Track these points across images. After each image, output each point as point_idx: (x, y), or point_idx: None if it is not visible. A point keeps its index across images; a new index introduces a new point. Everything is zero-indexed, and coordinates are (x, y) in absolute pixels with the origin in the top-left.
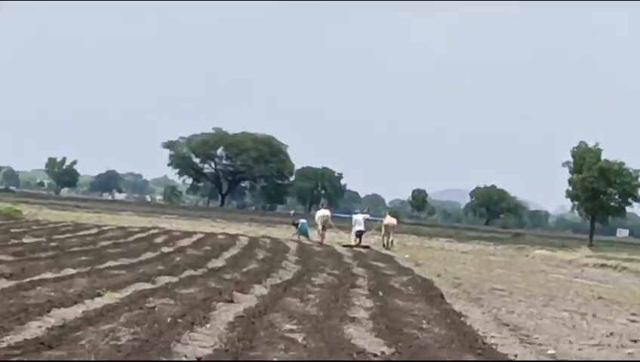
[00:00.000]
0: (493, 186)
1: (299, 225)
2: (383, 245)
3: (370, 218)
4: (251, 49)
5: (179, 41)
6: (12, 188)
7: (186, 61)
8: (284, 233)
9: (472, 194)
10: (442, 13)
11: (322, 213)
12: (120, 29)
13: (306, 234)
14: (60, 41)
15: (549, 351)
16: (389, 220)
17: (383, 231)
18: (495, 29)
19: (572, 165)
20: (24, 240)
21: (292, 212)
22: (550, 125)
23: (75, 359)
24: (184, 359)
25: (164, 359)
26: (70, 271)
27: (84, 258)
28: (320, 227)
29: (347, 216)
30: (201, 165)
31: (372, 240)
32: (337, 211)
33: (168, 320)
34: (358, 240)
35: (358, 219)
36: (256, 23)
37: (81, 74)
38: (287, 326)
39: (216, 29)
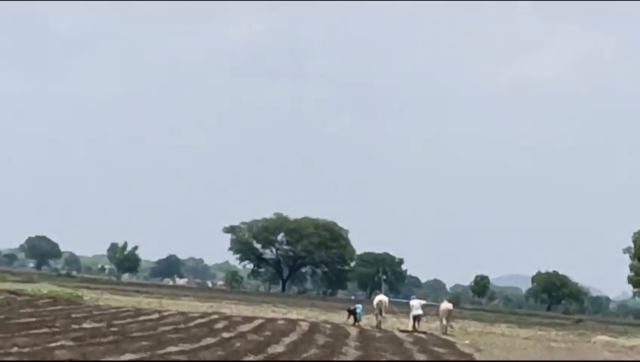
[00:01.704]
0: (555, 272)
1: (356, 310)
2: (442, 332)
3: (427, 303)
4: (312, 133)
5: (239, 125)
6: (73, 273)
7: (247, 145)
8: (345, 318)
9: (533, 279)
10: (516, 99)
11: (380, 298)
12: (180, 114)
13: (360, 318)
14: (121, 125)
15: None
16: (445, 306)
17: (440, 316)
18: (548, 104)
19: (633, 251)
20: (85, 325)
21: (353, 297)
22: (612, 210)
23: None
24: None
25: None
26: (130, 356)
27: (144, 343)
28: (377, 312)
29: (406, 301)
30: (262, 250)
31: (433, 325)
32: (398, 296)
33: None
34: (416, 324)
35: (415, 304)
36: (320, 108)
37: (143, 160)
38: None
39: (277, 113)
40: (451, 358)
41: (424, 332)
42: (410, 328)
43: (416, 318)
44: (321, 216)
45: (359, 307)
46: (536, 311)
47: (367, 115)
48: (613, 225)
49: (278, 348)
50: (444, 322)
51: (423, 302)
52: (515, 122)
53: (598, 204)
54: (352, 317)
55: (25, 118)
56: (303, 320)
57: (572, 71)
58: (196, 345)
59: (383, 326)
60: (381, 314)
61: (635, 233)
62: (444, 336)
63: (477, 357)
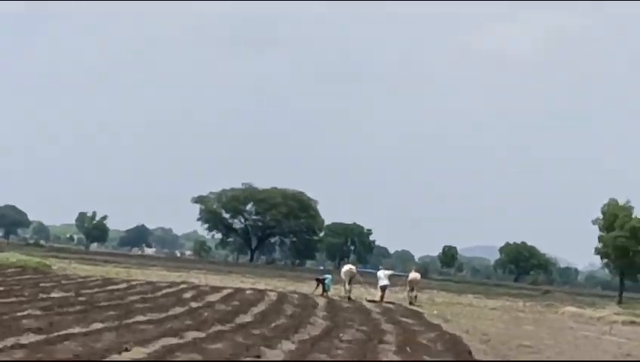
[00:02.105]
0: (523, 243)
1: (325, 280)
2: (410, 302)
3: (395, 274)
4: (281, 105)
5: (210, 97)
6: (42, 242)
7: (216, 116)
8: (313, 288)
9: (501, 250)
10: (480, 73)
11: (347, 268)
12: (151, 85)
13: (328, 288)
14: (88, 94)
15: None
16: (413, 275)
17: (408, 286)
18: (520, 77)
19: (602, 222)
20: (53, 295)
21: (321, 268)
22: (581, 181)
23: None
24: None
25: None
26: (98, 325)
27: (112, 312)
28: (346, 282)
29: (374, 271)
30: (230, 220)
31: (401, 296)
32: (367, 267)
33: None
34: (382, 295)
35: (381, 275)
36: (288, 81)
37: (111, 129)
38: None
39: (247, 86)
40: (419, 328)
41: (391, 303)
42: (377, 298)
43: (383, 289)
44: (289, 186)
45: (328, 277)
46: (504, 281)
47: (337, 88)
48: (583, 196)
49: (246, 318)
50: (412, 292)
51: (389, 272)
52: (484, 92)
53: (568, 174)
54: (320, 287)
55: None
56: (271, 290)
57: (541, 43)
58: (164, 315)
59: (351, 296)
60: (349, 284)
61: (604, 204)
62: (411, 306)
63: (445, 327)
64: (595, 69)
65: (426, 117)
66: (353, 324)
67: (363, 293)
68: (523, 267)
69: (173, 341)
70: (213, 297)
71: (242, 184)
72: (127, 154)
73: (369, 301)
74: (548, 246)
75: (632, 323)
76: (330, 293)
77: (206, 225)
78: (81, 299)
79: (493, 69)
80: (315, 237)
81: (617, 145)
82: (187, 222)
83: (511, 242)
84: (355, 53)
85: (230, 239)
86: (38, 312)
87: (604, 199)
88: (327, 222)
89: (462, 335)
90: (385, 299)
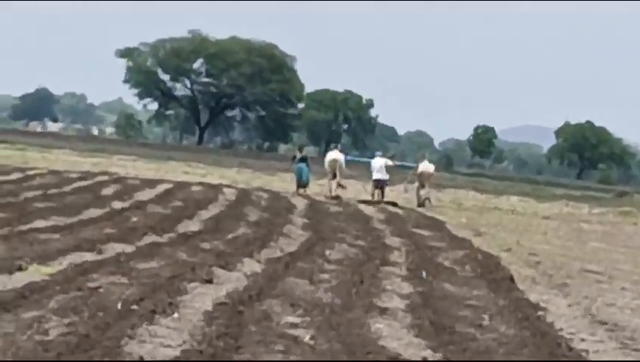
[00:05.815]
0: (589, 123)
1: (300, 171)
2: (418, 203)
3: (398, 164)
4: None
5: None
6: None
7: None
8: (287, 185)
9: (558, 133)
10: None
11: (333, 156)
12: None
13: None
14: None
15: None
16: (425, 167)
17: (417, 183)
18: None
19: None
20: None
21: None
22: None
23: None
24: None
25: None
26: None
27: (1, 215)
28: (330, 175)
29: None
30: (171, 83)
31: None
32: (366, 155)
33: (119, 306)
34: (378, 193)
35: (376, 165)
36: None
37: None
38: (289, 319)
39: None
40: (439, 244)
41: (395, 204)
42: (371, 197)
43: (379, 185)
44: (255, 37)
45: (303, 166)
46: (562, 178)
47: None
48: None
49: (191, 226)
50: (422, 190)
51: (390, 162)
52: None
53: None
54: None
55: None
56: (228, 186)
57: None
58: (75, 219)
59: (338, 194)
60: (335, 178)
61: None
62: (425, 211)
63: (476, 242)
64: None
65: None
66: (345, 237)
67: (360, 192)
68: (589, 158)
69: (88, 257)
70: (144, 195)
71: (188, 32)
72: None
73: (360, 201)
74: (625, 129)
75: None
76: (308, 190)
77: (135, 91)
78: None
79: None
80: (292, 111)
81: None
82: (108, 87)
83: (572, 122)
84: None
85: (170, 111)
86: None
87: None
88: (308, 89)
89: (500, 255)
90: (386, 199)
